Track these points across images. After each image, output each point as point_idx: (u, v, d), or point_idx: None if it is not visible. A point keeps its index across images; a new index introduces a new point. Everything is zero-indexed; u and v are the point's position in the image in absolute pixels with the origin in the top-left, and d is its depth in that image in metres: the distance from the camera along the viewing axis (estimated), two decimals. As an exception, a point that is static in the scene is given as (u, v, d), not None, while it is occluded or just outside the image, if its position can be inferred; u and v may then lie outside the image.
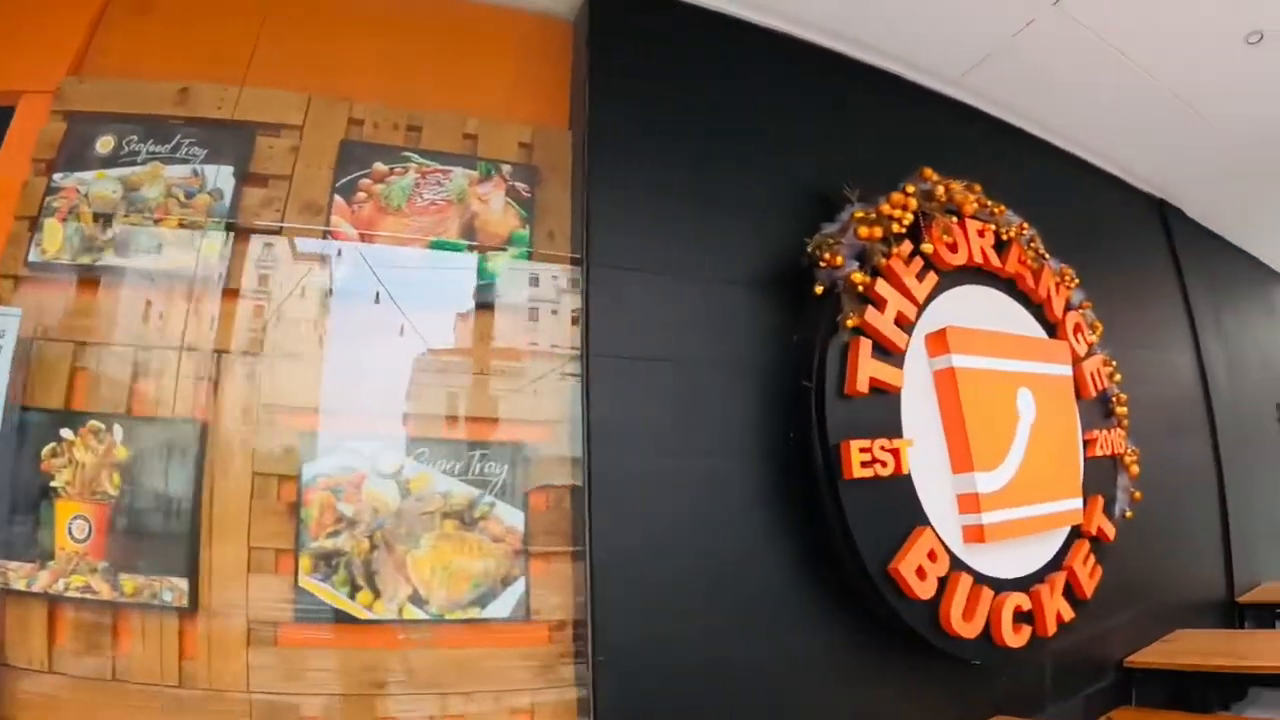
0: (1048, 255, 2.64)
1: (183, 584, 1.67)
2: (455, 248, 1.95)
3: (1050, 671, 2.54)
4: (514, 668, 1.78)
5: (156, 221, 1.89)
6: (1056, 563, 2.43)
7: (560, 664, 1.81)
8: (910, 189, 2.23)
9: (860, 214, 2.11)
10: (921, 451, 2.10)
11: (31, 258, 1.78)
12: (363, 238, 1.91)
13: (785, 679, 1.92)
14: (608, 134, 2.02)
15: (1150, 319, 3.60)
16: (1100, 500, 2.61)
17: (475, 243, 1.97)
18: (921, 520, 2.04)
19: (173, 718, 1.66)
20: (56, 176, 1.83)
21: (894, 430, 2.04)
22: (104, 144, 1.88)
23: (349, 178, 1.95)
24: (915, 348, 2.16)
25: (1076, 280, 2.76)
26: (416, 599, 1.75)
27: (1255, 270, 4.99)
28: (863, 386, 1.95)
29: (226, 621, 1.69)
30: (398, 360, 1.85)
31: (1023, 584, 2.28)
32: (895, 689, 2.14)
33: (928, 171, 2.30)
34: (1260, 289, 5.03)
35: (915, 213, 2.21)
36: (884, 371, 2.02)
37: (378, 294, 1.88)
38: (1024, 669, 2.41)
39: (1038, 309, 2.62)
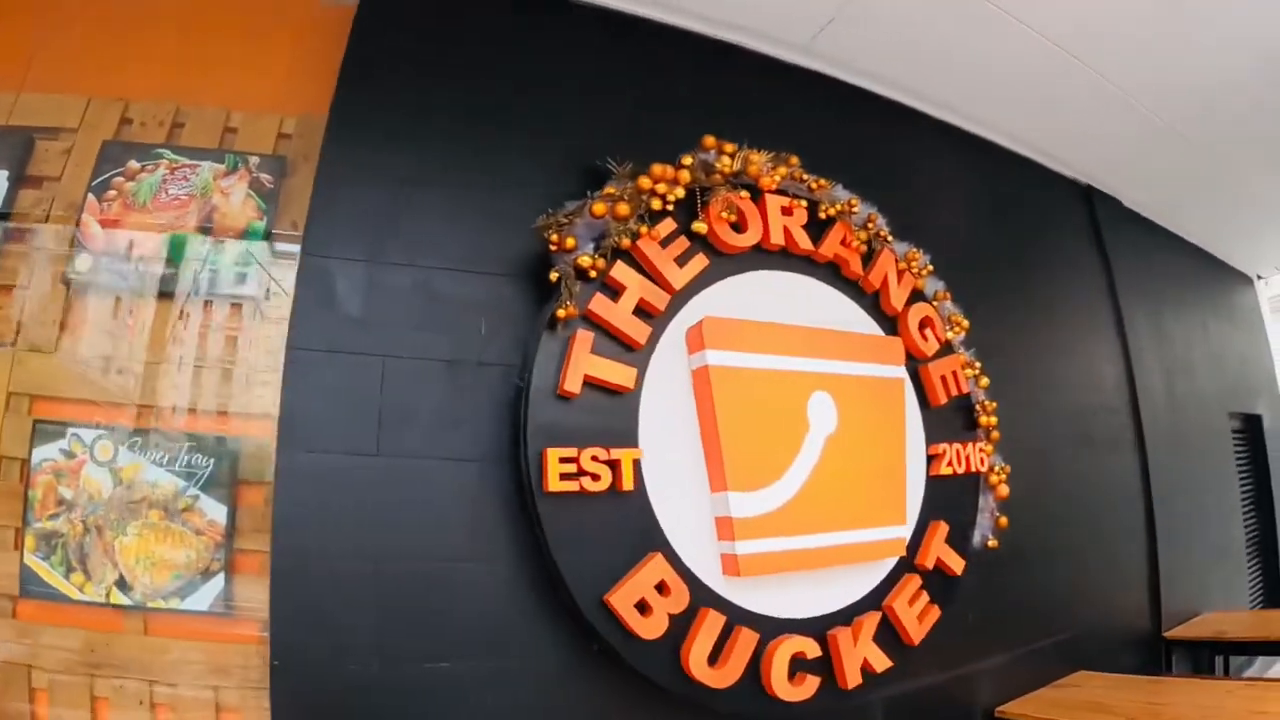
0: (890, 237, 2.43)
1: (-69, 556, 1.81)
2: (190, 240, 1.99)
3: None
4: (218, 662, 1.80)
5: (-57, 224, 2.03)
6: (873, 602, 2.17)
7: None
8: (688, 160, 2.08)
9: (611, 190, 1.97)
10: (669, 465, 1.91)
11: None
12: (106, 233, 1.99)
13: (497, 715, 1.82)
14: (350, 119, 2.00)
15: (1069, 321, 3.30)
16: (943, 527, 2.34)
17: (211, 236, 2.00)
18: (657, 545, 1.86)
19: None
20: None
21: (625, 439, 1.86)
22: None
23: (103, 177, 2.03)
24: (671, 342, 1.99)
25: (928, 267, 2.52)
26: (122, 584, 1.81)
27: (1205, 265, 4.46)
28: (574, 386, 1.80)
29: (-30, 593, 1.81)
30: (124, 351, 1.92)
31: (815, 626, 2.05)
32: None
33: (709, 140, 2.13)
34: (1211, 286, 4.50)
35: (689, 188, 2.06)
36: (609, 369, 1.85)
37: (114, 287, 1.95)
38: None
39: (872, 300, 2.40)
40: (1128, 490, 3.27)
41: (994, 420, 2.57)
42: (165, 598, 1.81)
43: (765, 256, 2.19)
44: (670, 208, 2.02)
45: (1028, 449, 2.76)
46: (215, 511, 1.84)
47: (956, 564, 2.33)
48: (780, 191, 2.22)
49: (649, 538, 1.86)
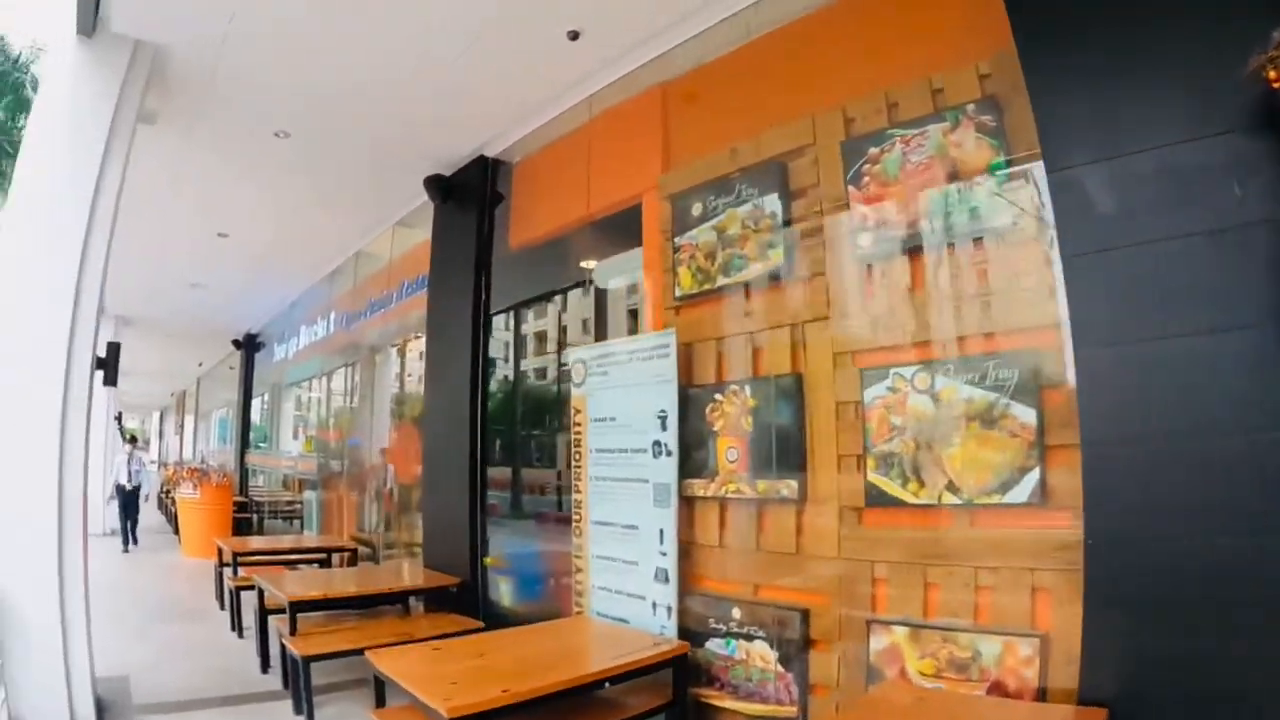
0: None
1: (794, 484, 2.59)
2: (945, 193, 2.38)
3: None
4: (1032, 546, 2.09)
5: (741, 248, 2.91)
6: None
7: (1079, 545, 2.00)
8: None
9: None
10: None
11: (676, 294, 3.03)
12: (873, 210, 2.54)
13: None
14: (1035, 41, 2.17)
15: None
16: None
17: (959, 182, 2.36)
18: None
19: (791, 573, 2.65)
20: (676, 239, 3.05)
21: None
22: (696, 209, 3.02)
23: (854, 169, 2.62)
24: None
25: None
26: (951, 487, 2.26)
27: None
28: None
29: (823, 508, 2.58)
30: (913, 298, 2.40)
31: None
32: None
33: None
34: None
35: None
36: None
37: (889, 253, 2.47)
38: None
39: None
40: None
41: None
42: (988, 494, 2.17)
43: None
44: None
45: None
46: (1026, 415, 2.12)
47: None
48: None
49: None
